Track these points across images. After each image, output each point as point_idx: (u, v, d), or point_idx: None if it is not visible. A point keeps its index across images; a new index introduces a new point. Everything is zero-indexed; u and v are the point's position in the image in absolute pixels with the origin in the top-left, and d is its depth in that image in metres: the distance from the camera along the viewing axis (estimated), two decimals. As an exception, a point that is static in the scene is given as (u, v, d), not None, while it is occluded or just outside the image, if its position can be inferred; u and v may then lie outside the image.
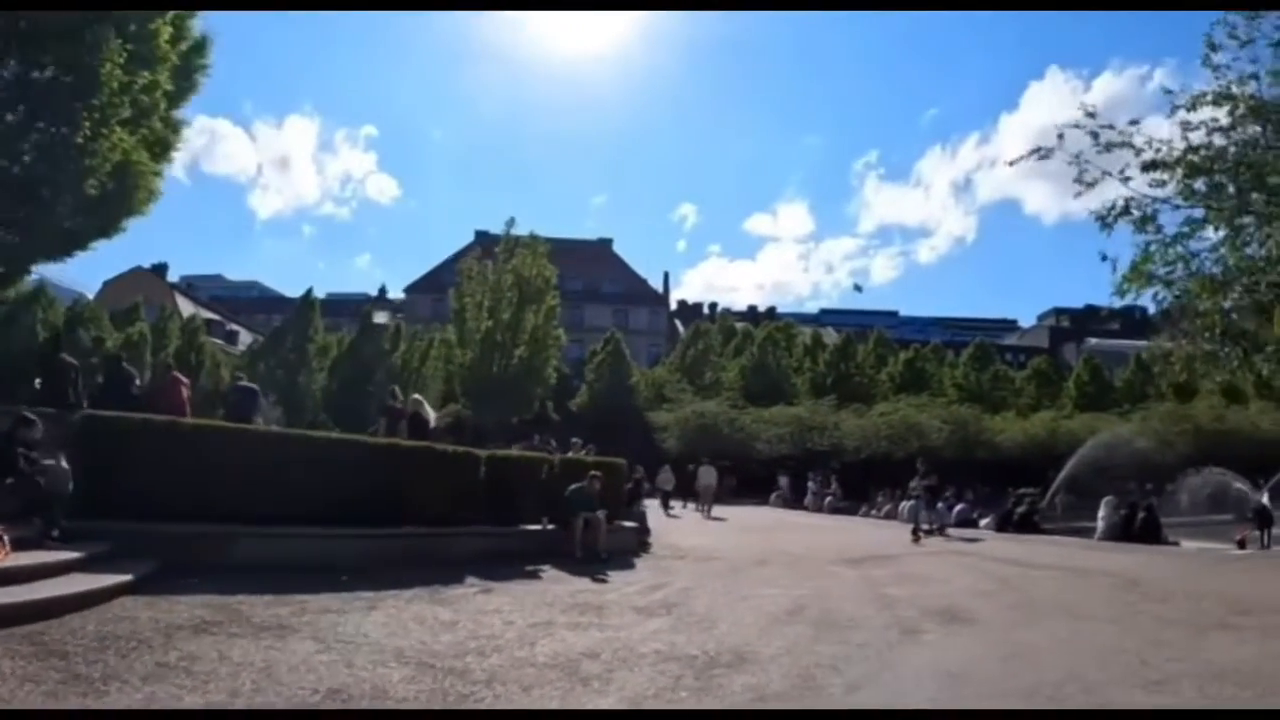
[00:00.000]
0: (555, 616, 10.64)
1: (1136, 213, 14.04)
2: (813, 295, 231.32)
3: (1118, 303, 14.68)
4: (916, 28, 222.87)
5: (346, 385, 59.24)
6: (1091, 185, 13.99)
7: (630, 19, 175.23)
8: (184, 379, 19.20)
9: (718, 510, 35.09)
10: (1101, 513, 24.35)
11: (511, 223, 46.45)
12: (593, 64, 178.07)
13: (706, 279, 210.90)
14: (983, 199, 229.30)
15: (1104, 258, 14.21)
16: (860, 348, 73.48)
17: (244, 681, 6.99)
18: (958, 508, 29.62)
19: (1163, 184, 13.98)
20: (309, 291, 67.42)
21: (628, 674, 8.08)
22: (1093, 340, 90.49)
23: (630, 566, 16.13)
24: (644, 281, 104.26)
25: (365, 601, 10.52)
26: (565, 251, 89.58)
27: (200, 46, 21.92)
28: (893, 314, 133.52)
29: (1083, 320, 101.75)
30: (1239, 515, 32.10)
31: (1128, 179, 14.09)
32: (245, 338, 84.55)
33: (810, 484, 43.84)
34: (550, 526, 17.24)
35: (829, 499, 41.08)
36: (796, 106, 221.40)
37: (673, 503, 36.92)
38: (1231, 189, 13.39)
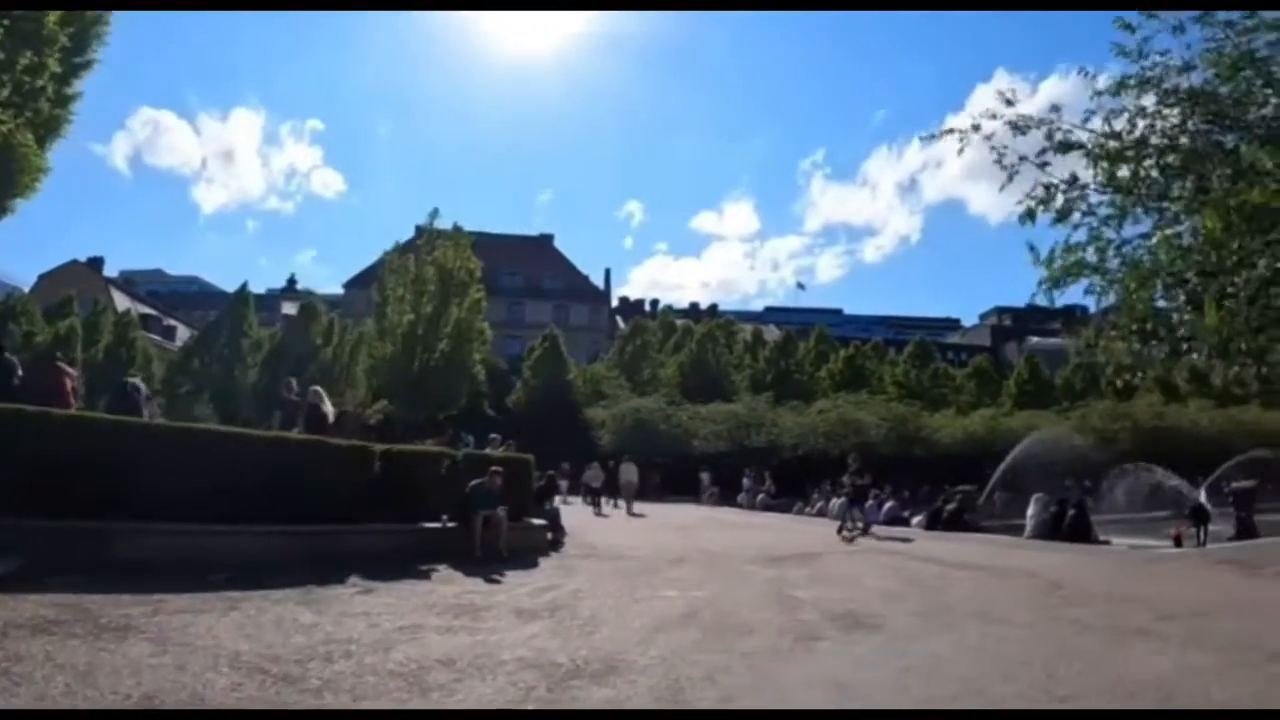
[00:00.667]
0: (428, 619, 10.09)
1: (1060, 199, 12.99)
2: (759, 294, 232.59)
3: (1058, 299, 13.57)
4: (865, 28, 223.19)
5: (279, 381, 57.34)
6: (1012, 176, 12.90)
7: (581, 17, 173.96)
8: (70, 369, 17.90)
9: (643, 508, 34.60)
10: (1031, 510, 23.57)
11: (435, 214, 45.40)
12: (542, 61, 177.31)
13: (652, 276, 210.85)
14: (928, 199, 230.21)
15: (1031, 248, 13.17)
16: (801, 345, 73.57)
17: (57, 685, 6.62)
18: (887, 505, 28.92)
19: (1082, 186, 12.95)
20: (243, 286, 66.43)
21: (477, 684, 7.53)
22: (1034, 339, 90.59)
23: (532, 566, 15.53)
24: (585, 278, 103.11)
25: (228, 602, 9.97)
26: (505, 247, 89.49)
27: (91, 25, 20.90)
28: (837, 312, 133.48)
29: (1025, 319, 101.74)
30: (1177, 512, 31.89)
31: (1045, 164, 13.03)
32: (184, 334, 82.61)
33: (745, 481, 43.37)
34: (452, 524, 16.55)
35: (761, 496, 40.58)
36: (744, 106, 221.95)
37: (603, 500, 36.01)
38: (1156, 174, 12.37)
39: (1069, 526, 21.12)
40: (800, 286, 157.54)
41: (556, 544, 18.82)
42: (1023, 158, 12.82)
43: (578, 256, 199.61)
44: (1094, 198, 12.99)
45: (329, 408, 20.45)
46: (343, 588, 11.68)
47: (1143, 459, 43.81)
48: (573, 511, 30.79)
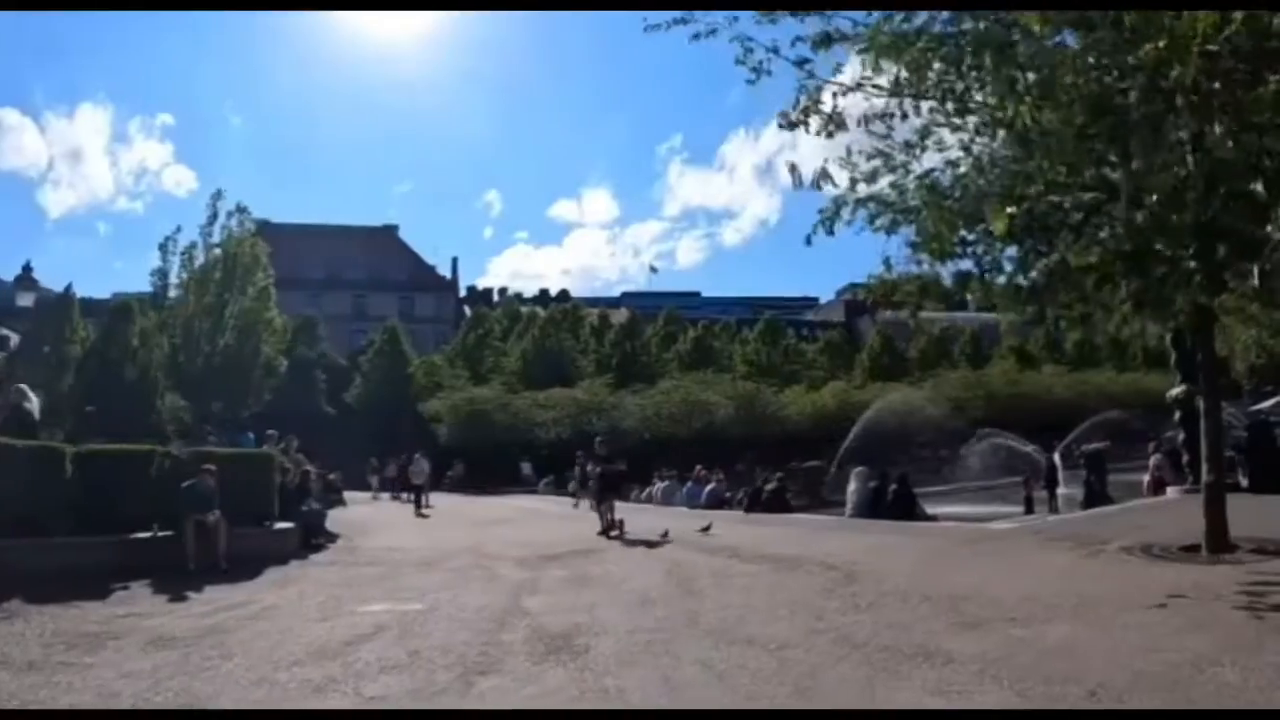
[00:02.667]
0: (31, 653, 8.54)
1: (825, 108, 10.02)
2: (621, 280, 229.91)
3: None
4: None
5: (97, 388, 53.08)
6: (760, 73, 9.91)
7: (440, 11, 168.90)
8: None
9: (466, 502, 33.80)
10: (851, 486, 21.08)
11: (218, 195, 40.97)
12: (396, 53, 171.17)
13: (514, 267, 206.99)
14: (786, 180, 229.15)
15: (793, 169, 10.23)
16: (650, 327, 71.62)
17: None
18: (709, 487, 26.87)
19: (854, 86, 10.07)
20: (67, 288, 60.58)
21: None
22: (888, 313, 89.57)
23: (252, 578, 13.42)
24: (432, 268, 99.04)
25: None
26: (348, 239, 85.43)
27: None
28: (695, 295, 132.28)
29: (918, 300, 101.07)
30: (1032, 477, 30.08)
31: (804, 61, 10.05)
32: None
33: (576, 468, 39.61)
34: (163, 534, 14.53)
35: (590, 483, 36.49)
36: (598, 92, 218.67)
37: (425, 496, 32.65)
38: (936, 69, 9.48)
39: (891, 503, 18.50)
40: (653, 270, 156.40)
41: (314, 549, 16.96)
42: (774, 51, 9.91)
43: (440, 248, 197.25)
44: (876, 103, 10.29)
45: (35, 405, 18.57)
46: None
47: (998, 426, 43.53)
48: (381, 510, 30.90)
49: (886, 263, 10.76)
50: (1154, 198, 8.60)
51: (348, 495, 32.44)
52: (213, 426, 28.05)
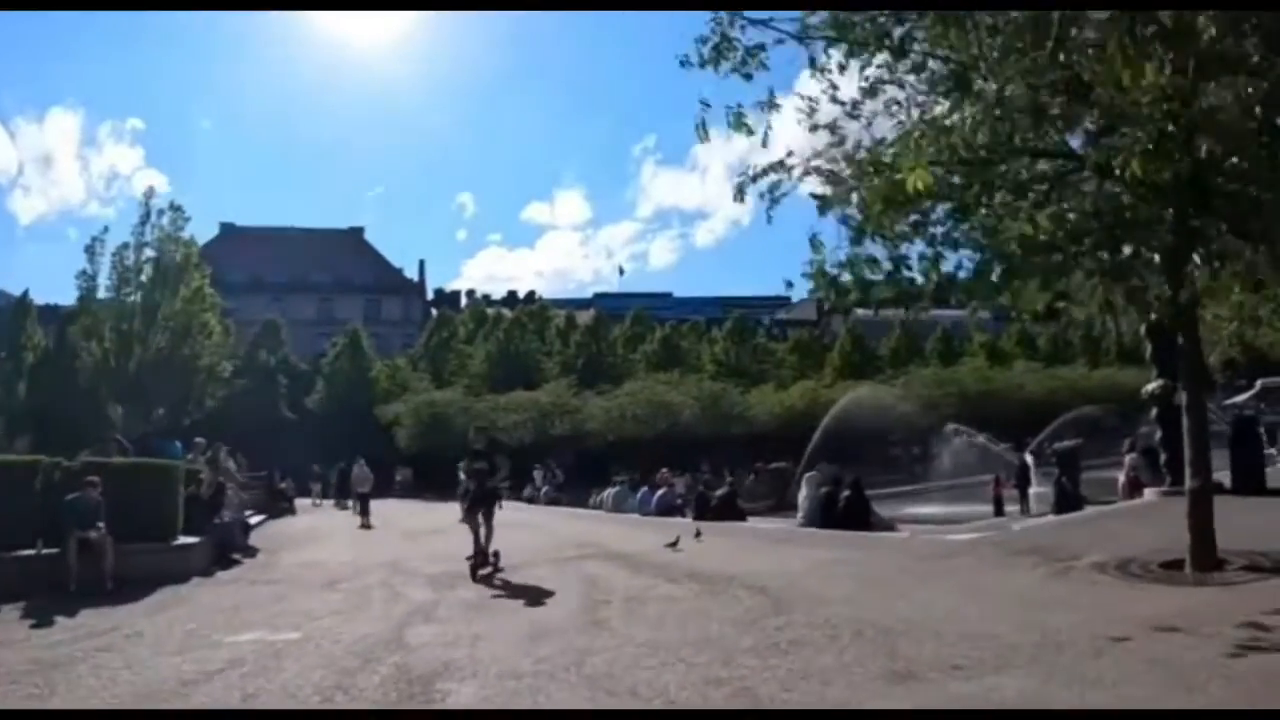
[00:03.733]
0: None
1: (740, 42, 8.67)
2: (595, 281, 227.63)
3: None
4: (690, 12, 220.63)
5: (51, 397, 51.65)
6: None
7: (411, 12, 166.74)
8: None
9: (421, 509, 32.81)
10: (802, 492, 19.51)
11: (150, 193, 39.34)
12: (371, 54, 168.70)
13: (487, 269, 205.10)
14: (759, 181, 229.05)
15: (704, 105, 8.88)
16: (617, 327, 70.17)
17: None
18: (659, 494, 25.44)
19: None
20: (24, 295, 59.46)
21: None
22: (859, 311, 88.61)
23: (137, 599, 12.29)
24: (399, 271, 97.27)
25: None
26: (314, 242, 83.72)
27: None
28: (666, 295, 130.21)
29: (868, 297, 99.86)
30: (1006, 476, 29.93)
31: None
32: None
33: (535, 474, 39.94)
34: (47, 551, 13.52)
35: (545, 490, 37.68)
36: (572, 93, 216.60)
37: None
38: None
39: (843, 510, 16.97)
40: (621, 271, 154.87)
41: (228, 565, 16.01)
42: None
43: (413, 251, 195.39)
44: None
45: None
46: None
47: (970, 423, 42.85)
48: (323, 520, 29.46)
49: (813, 241, 9.31)
50: (1122, 158, 7.16)
51: (303, 503, 32.10)
52: (155, 434, 27.52)
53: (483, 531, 13.66)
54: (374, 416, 55.84)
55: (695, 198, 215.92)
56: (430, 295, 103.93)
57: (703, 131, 8.82)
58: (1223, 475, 16.00)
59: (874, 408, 48.20)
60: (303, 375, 62.82)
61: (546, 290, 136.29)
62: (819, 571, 11.46)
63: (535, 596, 11.39)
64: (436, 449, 50.72)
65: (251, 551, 17.84)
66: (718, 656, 7.32)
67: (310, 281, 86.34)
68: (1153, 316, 10.66)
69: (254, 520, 25.42)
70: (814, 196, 9.53)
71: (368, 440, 48.63)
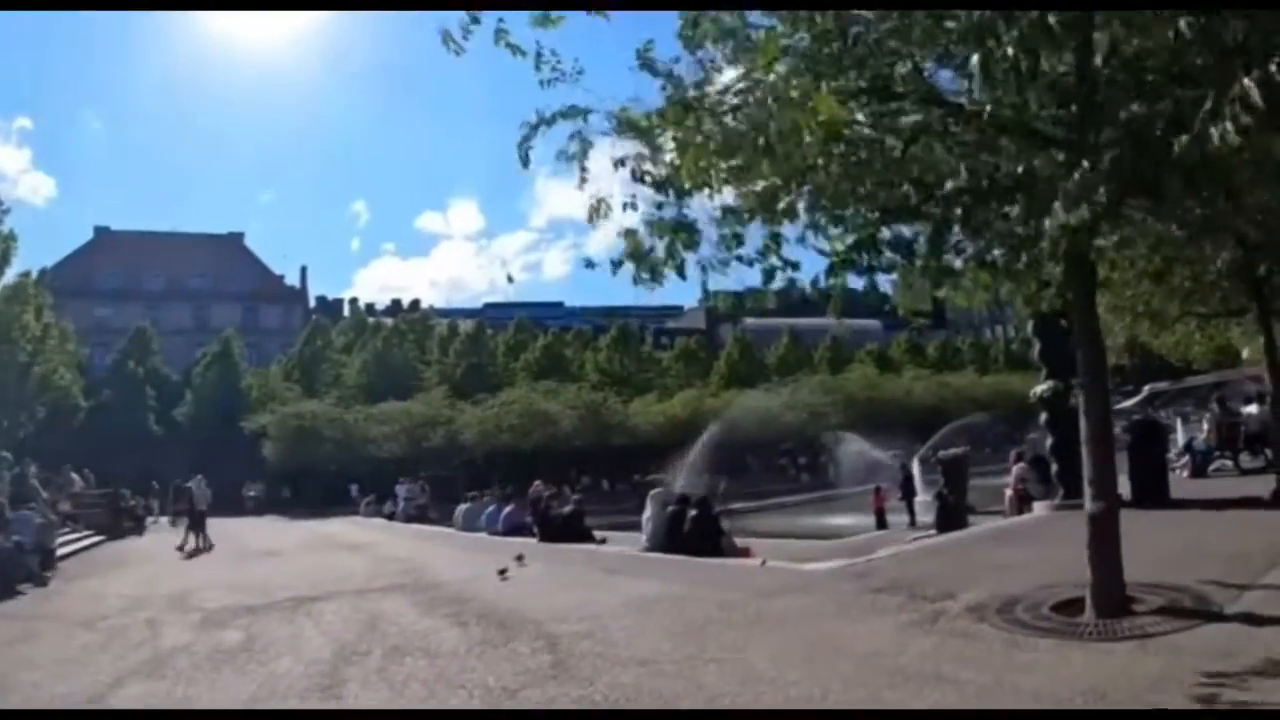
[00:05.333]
0: None
1: None
2: (489, 291, 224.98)
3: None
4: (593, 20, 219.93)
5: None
6: None
7: (306, 18, 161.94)
8: None
9: (258, 528, 31.66)
10: (646, 511, 17.14)
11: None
12: (265, 58, 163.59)
13: (381, 279, 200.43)
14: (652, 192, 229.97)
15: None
16: (501, 337, 68.71)
17: None
18: (505, 510, 23.70)
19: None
20: None
21: None
22: (749, 320, 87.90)
23: None
24: (280, 278, 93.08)
25: None
26: (190, 247, 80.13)
27: None
28: (558, 305, 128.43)
29: (741, 302, 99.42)
30: (891, 486, 28.61)
31: None
32: None
33: (399, 489, 37.95)
34: None
35: (402, 507, 35.51)
36: (467, 102, 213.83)
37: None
38: None
39: (689, 532, 14.75)
40: (510, 279, 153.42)
41: (9, 594, 14.65)
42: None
43: (301, 258, 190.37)
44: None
45: None
46: None
47: (857, 431, 43.41)
48: (156, 542, 26.90)
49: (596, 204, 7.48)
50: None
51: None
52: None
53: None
54: (243, 429, 53.18)
55: (588, 208, 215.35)
56: (313, 303, 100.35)
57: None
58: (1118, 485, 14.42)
59: (759, 418, 47.90)
60: (173, 386, 60.32)
61: (440, 300, 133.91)
62: (634, 614, 9.26)
63: (292, 645, 9.59)
64: (303, 462, 48.64)
65: (44, 580, 16.42)
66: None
67: (187, 288, 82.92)
68: (1044, 303, 8.86)
69: (90, 542, 24.76)
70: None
71: (239, 454, 48.86)
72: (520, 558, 14.50)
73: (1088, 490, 7.08)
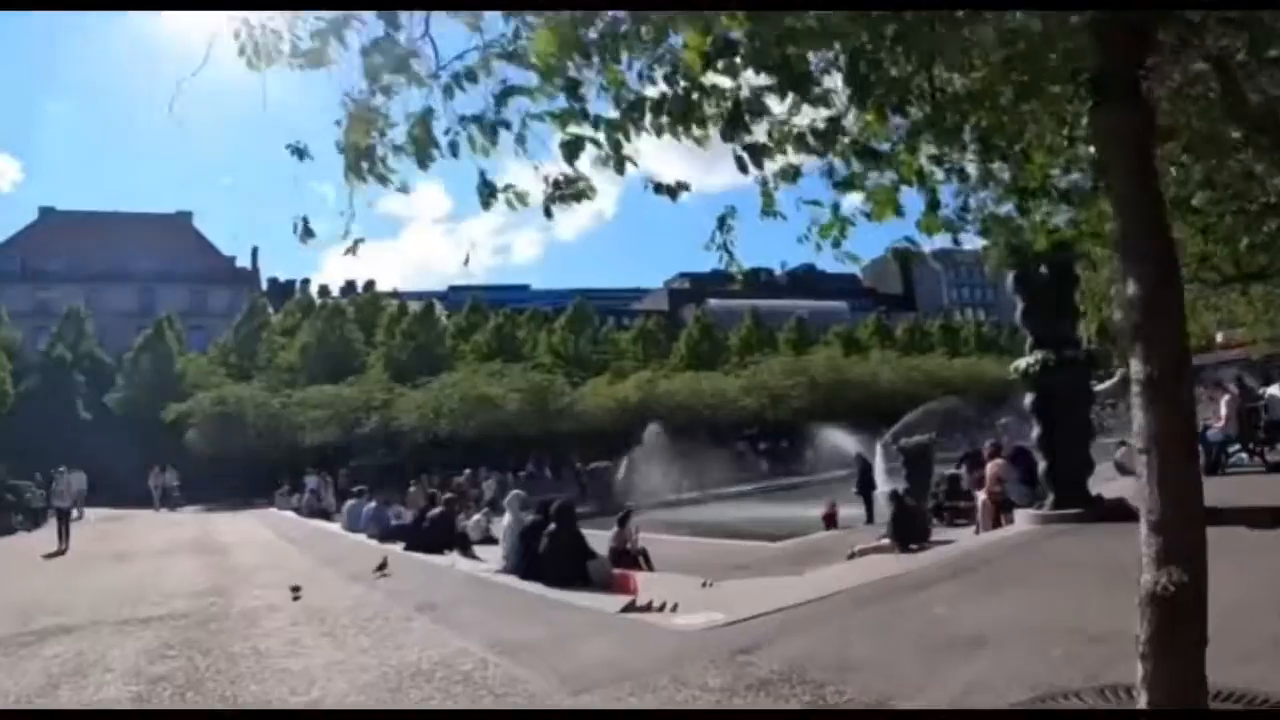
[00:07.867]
0: None
1: None
2: (458, 275, 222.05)
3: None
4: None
5: None
6: None
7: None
8: None
9: (160, 523, 29.49)
10: (506, 519, 13.42)
11: None
12: (221, 45, 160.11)
13: (348, 262, 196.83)
14: (626, 176, 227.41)
15: None
16: (453, 317, 65.48)
17: None
18: (367, 507, 20.86)
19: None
20: None
21: None
22: (712, 301, 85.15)
23: None
24: (230, 260, 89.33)
25: None
26: (136, 227, 76.57)
27: None
28: (524, 288, 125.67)
29: (704, 283, 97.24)
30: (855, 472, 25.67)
31: None
32: None
33: (308, 480, 35.72)
34: None
35: (306, 499, 33.28)
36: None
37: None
38: None
39: (548, 550, 10.99)
40: (466, 262, 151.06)
41: None
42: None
43: (254, 240, 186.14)
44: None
45: None
46: None
47: (822, 416, 42.57)
48: (34, 539, 24.62)
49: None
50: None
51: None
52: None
53: None
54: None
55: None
56: (265, 286, 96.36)
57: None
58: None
59: (716, 400, 47.60)
60: (109, 371, 56.65)
61: (407, 284, 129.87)
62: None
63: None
64: (228, 450, 45.56)
65: None
66: None
67: (132, 270, 78.62)
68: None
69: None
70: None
71: (170, 441, 45.74)
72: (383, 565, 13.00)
73: (1151, 540, 3.55)
